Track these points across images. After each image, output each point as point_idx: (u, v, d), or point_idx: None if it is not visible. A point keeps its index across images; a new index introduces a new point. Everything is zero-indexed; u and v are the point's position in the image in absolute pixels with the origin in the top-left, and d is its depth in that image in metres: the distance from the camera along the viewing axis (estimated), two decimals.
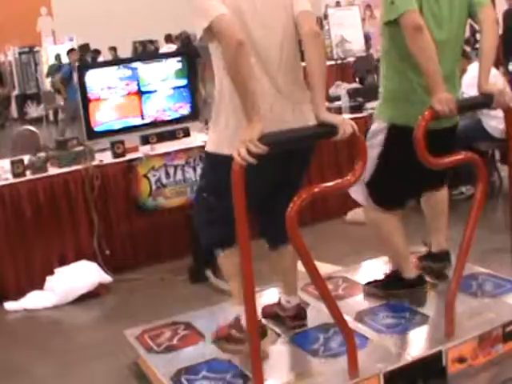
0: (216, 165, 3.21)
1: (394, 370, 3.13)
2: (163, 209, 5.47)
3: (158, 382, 3.37)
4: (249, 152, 2.71)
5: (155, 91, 5.64)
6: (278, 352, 3.43)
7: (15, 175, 5.06)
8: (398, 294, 3.79)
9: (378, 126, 3.63)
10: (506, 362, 3.38)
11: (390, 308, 3.75)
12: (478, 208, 3.34)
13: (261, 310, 3.65)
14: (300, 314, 3.64)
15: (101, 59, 16.58)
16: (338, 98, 6.52)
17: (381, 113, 3.67)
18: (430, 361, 3.23)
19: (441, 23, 3.42)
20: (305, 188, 2.90)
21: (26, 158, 5.23)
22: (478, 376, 3.32)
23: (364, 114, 6.17)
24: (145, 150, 5.47)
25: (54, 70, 16.46)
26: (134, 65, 5.63)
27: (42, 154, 5.29)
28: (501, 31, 6.72)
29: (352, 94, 6.56)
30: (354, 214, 5.78)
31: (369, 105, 6.25)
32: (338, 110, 6.10)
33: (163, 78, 5.67)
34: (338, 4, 15.89)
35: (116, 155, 5.37)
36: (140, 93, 5.59)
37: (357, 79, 10.90)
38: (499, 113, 3.64)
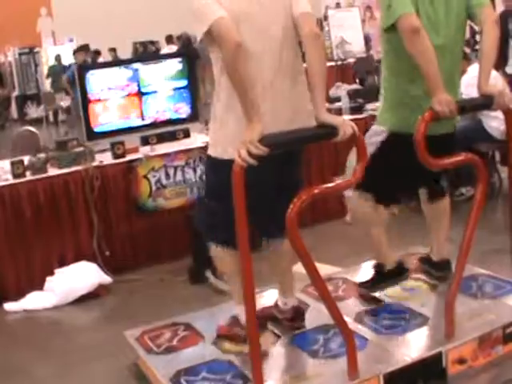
0: (215, 168, 3.23)
1: (394, 371, 3.13)
2: (163, 210, 5.47)
3: (157, 383, 3.37)
4: (249, 153, 2.72)
5: (155, 92, 5.64)
6: (278, 353, 3.44)
7: (15, 176, 5.06)
8: (384, 286, 3.87)
9: (378, 129, 3.65)
10: (506, 363, 3.38)
11: (389, 309, 3.75)
12: (478, 209, 3.34)
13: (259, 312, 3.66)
14: (297, 315, 3.64)
15: (101, 60, 16.60)
16: (338, 99, 6.52)
17: (382, 118, 3.68)
18: (430, 362, 3.23)
19: (437, 27, 3.41)
20: (305, 189, 2.90)
21: (26, 159, 5.23)
22: (478, 377, 3.32)
23: (364, 115, 6.17)
24: (145, 150, 5.47)
25: (59, 70, 16.48)
26: (135, 66, 5.63)
27: (42, 155, 5.29)
28: None
29: (352, 95, 6.56)
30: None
31: (369, 106, 6.25)
32: (339, 111, 6.10)
33: (163, 78, 5.67)
34: (338, 5, 15.89)
35: (116, 156, 5.37)
36: (140, 93, 5.59)
37: (357, 80, 10.89)
38: (500, 114, 3.64)
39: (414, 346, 3.41)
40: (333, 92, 7.13)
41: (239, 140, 2.86)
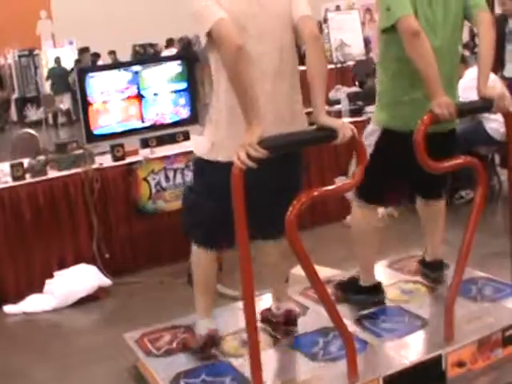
0: (207, 169, 3.23)
1: (394, 374, 3.12)
2: (163, 212, 5.47)
3: None
4: (248, 156, 2.72)
5: (155, 95, 5.64)
6: (278, 356, 3.44)
7: (15, 178, 5.06)
8: (352, 298, 3.86)
9: (372, 128, 3.66)
10: (506, 366, 3.38)
11: (389, 312, 3.75)
12: (478, 212, 3.34)
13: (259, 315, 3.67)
14: (290, 319, 3.63)
15: (100, 63, 16.63)
16: (337, 102, 6.53)
17: (376, 117, 3.69)
18: (429, 365, 3.22)
19: (435, 29, 3.41)
20: (304, 191, 2.90)
21: (26, 162, 5.23)
22: (477, 380, 3.31)
23: (364, 117, 6.17)
24: (144, 153, 5.47)
25: (59, 72, 16.51)
26: (134, 68, 5.63)
27: (42, 158, 5.30)
28: None
29: (352, 97, 6.57)
30: None
31: (368, 108, 6.25)
32: (338, 114, 6.11)
33: (163, 81, 5.68)
34: (337, 8, 15.88)
35: (116, 158, 5.37)
36: (140, 96, 5.59)
37: (356, 83, 10.90)
38: (500, 116, 3.64)
39: (413, 348, 3.41)
40: (332, 94, 7.14)
41: (234, 142, 2.88)
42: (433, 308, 3.73)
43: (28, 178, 5.12)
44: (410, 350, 3.38)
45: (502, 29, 6.25)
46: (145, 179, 5.39)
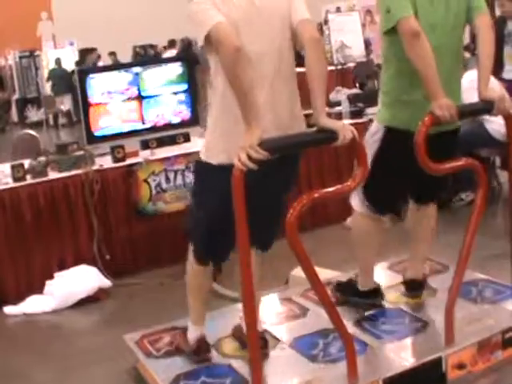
0: (206, 173, 3.23)
1: (394, 376, 3.13)
2: (163, 213, 5.47)
3: None
4: (249, 157, 2.72)
5: (156, 96, 5.64)
6: (278, 357, 3.44)
7: (15, 179, 5.06)
8: (351, 301, 3.85)
9: (375, 128, 3.65)
10: (506, 368, 3.38)
11: (389, 314, 3.75)
12: (478, 214, 3.34)
13: (231, 330, 3.66)
14: (261, 342, 3.40)
15: (101, 64, 16.63)
16: (338, 104, 6.53)
17: (379, 116, 3.68)
18: (429, 367, 3.23)
19: (436, 30, 3.41)
20: (305, 193, 2.90)
21: (27, 163, 5.23)
22: (477, 382, 3.32)
23: (364, 119, 6.16)
24: (145, 154, 5.47)
25: (59, 73, 16.52)
26: (135, 69, 5.63)
27: (43, 159, 5.30)
28: None
29: (352, 99, 6.57)
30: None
31: (369, 110, 6.25)
32: (339, 116, 6.11)
33: (164, 82, 5.67)
34: (338, 9, 15.89)
35: (116, 160, 5.37)
36: (140, 97, 5.59)
37: (357, 84, 10.90)
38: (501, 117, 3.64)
39: (413, 350, 3.41)
40: (333, 96, 7.14)
41: (233, 144, 2.89)
42: (433, 310, 3.73)
43: (29, 179, 5.11)
44: (410, 351, 3.39)
45: (500, 31, 6.25)
46: (145, 181, 5.39)
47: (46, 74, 17.81)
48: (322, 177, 5.91)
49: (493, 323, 3.50)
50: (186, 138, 5.69)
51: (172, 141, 5.63)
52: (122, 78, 5.54)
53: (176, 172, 5.50)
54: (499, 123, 5.34)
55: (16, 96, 18.53)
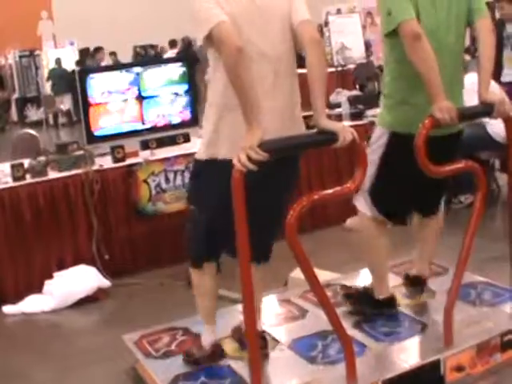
0: (206, 170, 3.22)
1: (393, 378, 3.13)
2: (163, 214, 5.48)
3: None
4: (249, 158, 2.72)
5: (156, 96, 5.64)
6: (277, 358, 3.44)
7: (15, 179, 5.07)
8: (367, 312, 3.77)
9: (380, 132, 3.64)
10: (504, 371, 3.39)
11: (388, 316, 3.75)
12: (478, 217, 3.34)
13: (231, 331, 3.65)
14: (261, 342, 3.43)
15: (101, 64, 16.62)
16: (338, 105, 6.53)
17: (382, 119, 3.68)
18: (428, 369, 3.23)
19: (438, 32, 3.41)
20: (305, 195, 2.90)
21: (26, 162, 5.23)
22: None
23: (364, 121, 6.17)
24: (145, 155, 5.47)
25: (59, 73, 16.51)
26: (135, 70, 5.63)
27: (42, 158, 5.30)
28: None
29: (352, 101, 6.57)
30: (354, 222, 5.78)
31: (369, 112, 6.26)
32: (339, 117, 6.11)
33: (164, 83, 5.68)
34: (338, 11, 15.89)
35: (116, 160, 5.37)
36: (141, 98, 5.59)
37: (357, 86, 10.91)
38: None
39: (412, 352, 3.41)
40: (333, 98, 7.14)
41: (233, 141, 2.90)
42: (432, 312, 3.73)
43: (28, 179, 5.12)
44: (408, 353, 3.39)
45: (499, 33, 6.25)
46: (145, 181, 5.39)
47: (46, 73, 17.80)
48: (321, 178, 5.92)
49: (492, 326, 3.50)
50: (186, 139, 5.69)
51: (172, 141, 5.63)
52: (122, 77, 5.54)
53: (176, 172, 5.50)
54: (500, 126, 5.35)
55: (16, 95, 18.52)
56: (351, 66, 12.21)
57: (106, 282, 5.05)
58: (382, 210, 3.65)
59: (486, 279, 4.08)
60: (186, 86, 5.75)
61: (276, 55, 3.09)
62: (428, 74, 3.24)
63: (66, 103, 16.56)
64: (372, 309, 3.76)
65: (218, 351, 3.43)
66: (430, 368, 3.23)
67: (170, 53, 16.61)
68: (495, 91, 4.03)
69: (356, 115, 6.30)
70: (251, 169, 2.72)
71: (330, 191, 3.01)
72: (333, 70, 11.67)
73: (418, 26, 3.27)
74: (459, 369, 3.27)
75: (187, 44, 17.47)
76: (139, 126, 5.60)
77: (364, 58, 12.57)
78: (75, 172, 5.21)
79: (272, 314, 3.93)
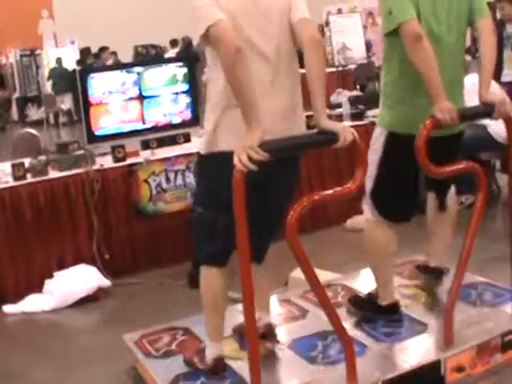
0: (210, 164, 3.18)
1: (393, 378, 3.13)
2: (163, 213, 5.48)
3: None
4: (250, 159, 2.72)
5: (156, 96, 5.64)
6: (277, 359, 3.44)
7: (16, 178, 5.07)
8: (371, 318, 3.73)
9: (378, 132, 3.64)
10: (505, 371, 3.39)
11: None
12: (478, 217, 3.34)
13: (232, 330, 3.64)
14: (269, 333, 3.51)
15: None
16: (339, 106, 6.53)
17: (381, 119, 3.67)
18: (428, 369, 3.23)
19: (439, 33, 3.40)
20: (305, 195, 2.90)
21: (27, 161, 5.23)
22: None
23: (365, 121, 6.17)
24: (145, 154, 5.47)
25: (60, 72, 16.51)
26: (136, 69, 5.63)
27: (43, 158, 5.30)
28: None
29: (353, 101, 6.56)
30: (354, 222, 5.79)
31: (370, 112, 6.25)
32: (339, 118, 6.11)
33: (165, 82, 5.68)
34: (339, 11, 15.89)
35: (116, 159, 5.38)
36: (141, 97, 5.59)
37: (358, 86, 10.91)
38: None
39: (412, 353, 3.41)
40: (334, 98, 7.14)
41: (234, 137, 2.90)
42: (432, 313, 3.73)
43: (29, 178, 5.12)
44: (409, 354, 3.38)
45: (499, 34, 6.25)
46: (145, 181, 5.39)
47: (46, 72, 17.82)
48: (322, 179, 5.91)
49: (492, 326, 3.50)
50: (187, 139, 5.69)
51: (172, 141, 5.63)
52: (122, 77, 5.54)
53: (176, 172, 5.50)
54: (501, 126, 5.35)
55: (16, 94, 18.54)
56: (352, 66, 12.21)
57: (106, 282, 5.05)
58: (382, 212, 3.64)
59: (487, 280, 4.08)
60: (186, 86, 5.75)
61: (275, 54, 3.07)
62: (428, 74, 3.23)
63: (66, 102, 16.57)
64: (375, 314, 3.73)
65: (220, 365, 3.34)
66: (431, 368, 3.23)
67: (171, 52, 16.60)
68: (496, 91, 4.04)
69: (357, 115, 6.29)
70: (252, 169, 2.71)
71: (330, 191, 3.01)
72: (333, 70, 11.66)
73: (419, 27, 3.27)
74: (459, 369, 3.27)
75: (187, 44, 17.45)
76: (140, 126, 5.60)
77: (365, 58, 12.56)
78: (76, 171, 5.22)
79: (272, 314, 3.93)
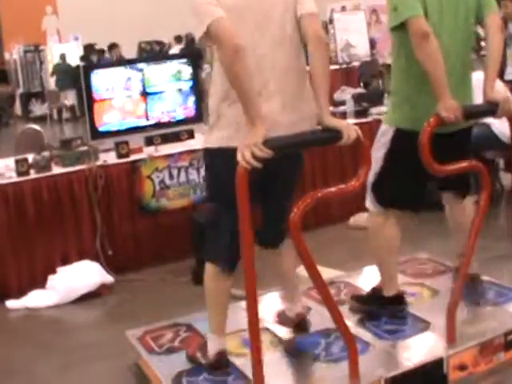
0: (215, 159, 3.16)
1: (396, 376, 3.13)
2: (166, 210, 5.48)
3: None
4: (253, 156, 2.71)
5: (160, 92, 5.64)
6: (280, 356, 3.44)
7: (19, 174, 5.07)
8: (376, 312, 3.73)
9: (385, 128, 3.64)
10: (508, 370, 3.38)
11: (391, 314, 3.74)
12: (481, 216, 3.34)
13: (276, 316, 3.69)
14: (301, 322, 3.59)
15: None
16: (342, 103, 6.52)
17: (388, 117, 3.67)
18: (431, 367, 3.23)
19: (446, 31, 3.39)
20: (309, 192, 2.89)
21: (31, 157, 5.23)
22: None
23: (369, 119, 6.16)
24: (149, 151, 5.48)
25: (64, 68, 16.52)
26: (140, 66, 5.63)
27: (47, 153, 5.30)
28: None
29: (357, 98, 6.55)
30: (357, 219, 5.79)
31: (373, 110, 6.25)
32: (343, 115, 6.10)
33: (168, 79, 5.67)
34: (343, 8, 15.86)
35: (120, 156, 5.38)
36: (145, 94, 5.59)
37: (361, 84, 10.88)
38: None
39: (415, 351, 3.40)
40: (337, 95, 7.13)
41: (239, 126, 2.90)
42: (435, 311, 3.71)
43: (32, 174, 5.12)
44: (412, 352, 3.38)
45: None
46: (149, 177, 5.39)
47: (50, 68, 17.83)
48: (325, 176, 5.91)
49: (495, 325, 3.50)
50: (190, 135, 5.69)
51: (176, 137, 5.63)
52: (126, 73, 5.54)
53: (180, 169, 5.50)
54: (505, 125, 5.33)
55: (20, 90, 18.56)
56: (356, 64, 12.18)
57: (109, 278, 5.05)
58: (382, 202, 3.64)
59: (490, 278, 4.07)
60: (190, 83, 5.75)
61: (277, 43, 3.03)
62: (434, 72, 3.23)
63: (70, 98, 16.59)
64: (380, 307, 3.72)
65: (223, 360, 3.34)
66: (433, 366, 3.23)
67: (176, 48, 16.61)
68: (500, 90, 4.04)
69: (360, 113, 6.29)
70: (255, 166, 2.71)
71: (334, 189, 3.00)
72: (337, 67, 11.65)
73: (427, 24, 3.26)
74: (462, 368, 3.27)
75: (190, 40, 17.46)
76: (143, 122, 5.60)
77: (369, 55, 12.52)
78: (79, 167, 5.22)
79: (274, 311, 3.93)
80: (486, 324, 3.52)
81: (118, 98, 5.49)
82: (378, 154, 3.52)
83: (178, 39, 17.65)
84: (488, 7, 3.47)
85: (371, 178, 3.57)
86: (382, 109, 6.23)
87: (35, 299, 4.91)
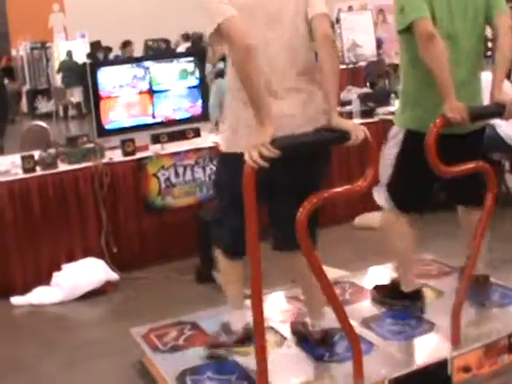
0: (224, 163, 3.23)
1: (400, 377, 3.13)
2: (171, 208, 5.48)
3: (162, 382, 3.37)
4: (261, 155, 2.71)
5: (167, 90, 5.64)
6: (284, 355, 3.44)
7: (25, 170, 5.08)
8: (392, 304, 3.79)
9: (396, 130, 3.65)
10: None
11: (396, 315, 3.75)
12: (487, 217, 3.33)
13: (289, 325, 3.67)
14: (326, 339, 3.47)
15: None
16: (349, 103, 6.52)
17: (399, 118, 3.67)
18: (435, 369, 3.22)
19: (454, 33, 3.39)
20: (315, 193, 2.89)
21: (37, 154, 5.24)
22: None
23: (375, 119, 6.16)
24: (155, 149, 5.48)
25: (70, 65, 16.54)
26: (146, 63, 5.64)
27: (53, 150, 5.31)
28: None
29: (363, 98, 6.55)
30: (362, 219, 5.79)
31: (380, 110, 6.24)
32: (349, 115, 6.10)
33: (175, 77, 5.68)
34: (350, 8, 15.84)
35: (126, 153, 5.38)
36: (151, 92, 5.59)
37: (368, 84, 10.87)
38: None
39: (419, 352, 3.41)
40: (344, 95, 7.12)
41: (249, 128, 2.90)
42: (440, 312, 3.71)
43: (38, 171, 5.13)
44: (416, 353, 3.39)
45: None
46: (154, 175, 5.40)
47: (56, 65, 17.85)
48: (332, 176, 5.89)
49: (500, 327, 3.49)
50: (196, 133, 5.69)
51: (182, 136, 5.63)
52: (133, 71, 5.55)
53: (185, 167, 5.51)
54: (511, 127, 5.34)
55: (27, 87, 18.61)
56: (362, 64, 12.17)
57: (114, 275, 5.06)
58: (399, 204, 3.66)
59: (495, 280, 4.06)
60: (196, 81, 5.75)
61: (288, 40, 3.03)
62: (440, 73, 3.23)
63: (76, 96, 16.62)
64: (399, 301, 3.77)
65: (249, 334, 3.30)
66: (437, 368, 3.23)
67: (183, 47, 16.60)
68: (508, 91, 4.03)
69: (366, 113, 6.28)
70: (263, 166, 2.71)
71: (340, 189, 3.00)
72: (344, 67, 11.64)
73: (432, 26, 3.26)
74: (466, 369, 3.26)
75: (197, 39, 17.44)
76: (150, 120, 5.61)
77: (375, 55, 12.52)
78: (85, 165, 5.23)
79: (279, 310, 3.93)
80: (490, 326, 3.51)
81: (125, 96, 5.50)
82: (389, 153, 3.54)
83: (186, 37, 17.64)
84: (497, 8, 3.46)
85: (385, 178, 3.60)
86: (389, 109, 6.22)
87: (40, 296, 4.92)
